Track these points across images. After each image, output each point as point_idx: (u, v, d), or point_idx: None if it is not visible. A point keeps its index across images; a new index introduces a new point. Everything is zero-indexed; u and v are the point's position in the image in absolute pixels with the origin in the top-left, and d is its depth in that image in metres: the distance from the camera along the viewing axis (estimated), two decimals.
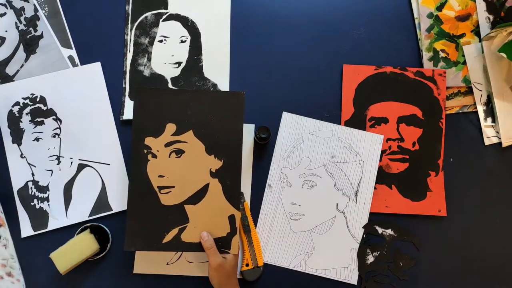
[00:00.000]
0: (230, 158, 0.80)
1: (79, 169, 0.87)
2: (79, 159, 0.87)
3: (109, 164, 0.87)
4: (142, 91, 0.81)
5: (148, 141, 0.80)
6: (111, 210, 0.86)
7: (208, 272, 0.78)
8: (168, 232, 0.79)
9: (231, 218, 0.80)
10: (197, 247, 0.79)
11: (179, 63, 0.90)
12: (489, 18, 0.92)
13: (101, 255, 0.84)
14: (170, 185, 0.79)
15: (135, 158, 0.79)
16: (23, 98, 0.88)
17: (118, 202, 0.86)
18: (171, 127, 0.80)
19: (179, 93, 0.82)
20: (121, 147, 0.88)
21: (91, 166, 0.87)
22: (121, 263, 0.85)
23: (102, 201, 0.86)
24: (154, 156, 0.79)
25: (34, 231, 0.85)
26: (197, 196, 0.80)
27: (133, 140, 0.80)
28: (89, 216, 0.86)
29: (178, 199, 0.79)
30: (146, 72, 0.90)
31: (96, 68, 0.90)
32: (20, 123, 0.88)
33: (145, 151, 0.79)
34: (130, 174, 0.80)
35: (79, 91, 0.89)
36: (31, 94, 0.88)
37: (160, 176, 0.79)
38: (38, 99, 0.88)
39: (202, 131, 0.80)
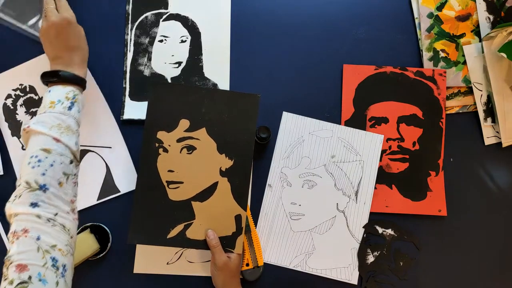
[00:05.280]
0: (241, 158, 0.80)
1: (81, 155, 0.87)
2: (80, 145, 0.87)
3: (110, 147, 0.88)
4: (158, 85, 0.81)
5: (160, 135, 0.80)
6: (119, 191, 0.86)
7: (212, 271, 0.79)
8: (173, 228, 0.79)
9: (238, 218, 0.80)
10: (202, 244, 0.79)
11: (179, 63, 0.90)
12: (489, 18, 0.92)
13: (101, 255, 0.84)
14: (179, 181, 0.79)
15: (146, 150, 0.79)
16: (14, 90, 0.88)
17: (125, 183, 0.87)
18: (184, 123, 0.80)
19: (195, 90, 0.82)
20: (121, 129, 0.88)
21: (93, 151, 0.87)
22: (121, 263, 0.85)
23: (108, 184, 0.87)
24: (165, 150, 0.80)
25: None
26: (205, 194, 0.80)
27: (145, 133, 0.80)
28: (97, 200, 0.86)
29: (186, 195, 0.79)
30: (146, 72, 0.90)
31: None
32: (16, 115, 0.88)
33: (157, 144, 0.79)
34: (139, 166, 0.80)
35: None
36: (20, 85, 0.88)
37: (169, 170, 0.79)
38: (28, 89, 0.88)
39: (215, 130, 0.80)
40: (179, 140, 0.80)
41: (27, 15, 0.86)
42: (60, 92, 0.72)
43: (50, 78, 0.73)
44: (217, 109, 0.80)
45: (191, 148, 0.80)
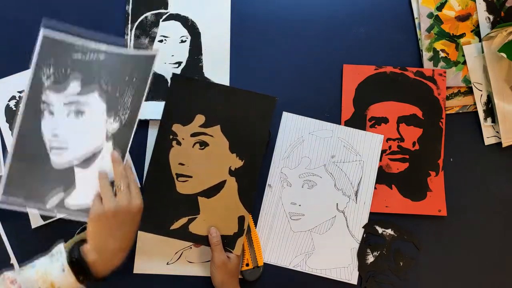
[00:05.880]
0: (251, 160, 0.80)
1: None
2: None
3: None
4: (179, 78, 0.82)
5: (175, 127, 0.81)
6: None
7: (211, 270, 0.79)
8: (177, 220, 0.80)
9: (241, 219, 0.80)
10: (203, 240, 0.80)
11: (179, 63, 0.91)
12: (489, 18, 0.92)
13: None
14: (188, 174, 0.80)
15: (160, 141, 0.81)
16: (19, 92, 0.88)
17: None
18: (200, 118, 0.80)
19: (214, 86, 0.83)
20: None
21: None
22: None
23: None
24: (179, 143, 0.80)
25: (44, 221, 0.85)
26: (212, 191, 0.80)
27: (161, 124, 0.81)
28: None
29: (193, 190, 0.80)
30: None
31: None
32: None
33: (171, 136, 0.80)
34: (151, 155, 0.81)
35: None
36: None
37: (180, 163, 0.80)
38: (40, 30, 0.87)
39: (229, 128, 0.81)
40: (193, 135, 0.80)
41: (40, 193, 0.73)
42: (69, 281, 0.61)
43: (72, 253, 0.63)
44: (233, 108, 0.81)
45: (203, 144, 0.80)
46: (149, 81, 0.72)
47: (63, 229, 0.84)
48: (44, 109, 0.72)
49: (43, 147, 0.72)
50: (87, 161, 0.73)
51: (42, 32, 0.71)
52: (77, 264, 0.62)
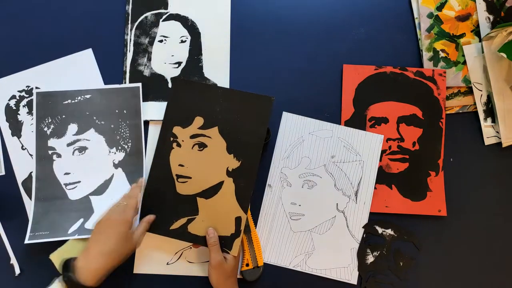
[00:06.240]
0: (248, 160, 0.81)
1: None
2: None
3: None
4: (179, 82, 0.85)
5: (176, 130, 0.82)
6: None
7: (208, 270, 0.79)
8: (177, 220, 0.80)
9: (238, 220, 0.80)
10: (201, 240, 0.80)
11: (179, 63, 0.91)
12: (489, 18, 0.92)
13: None
14: (187, 175, 0.81)
15: (161, 143, 0.83)
16: (19, 91, 0.89)
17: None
18: (199, 120, 0.82)
19: (212, 88, 0.85)
20: None
21: None
22: None
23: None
24: (179, 145, 0.82)
25: None
26: (210, 191, 0.81)
27: (162, 126, 0.83)
28: None
29: (192, 190, 0.81)
30: (146, 72, 0.90)
31: (87, 54, 0.90)
32: (18, 115, 0.88)
33: (171, 138, 0.82)
34: (153, 157, 0.82)
35: (73, 78, 0.89)
36: (26, 86, 0.89)
37: (180, 165, 0.82)
38: (33, 91, 0.88)
39: (226, 129, 0.82)
40: (192, 136, 0.82)
41: (63, 225, 0.82)
42: None
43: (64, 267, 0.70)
44: (230, 109, 0.82)
45: (202, 145, 0.82)
46: (141, 113, 0.84)
47: None
48: (52, 154, 0.84)
49: (59, 185, 0.84)
50: (100, 189, 0.84)
51: (35, 92, 0.86)
52: (65, 269, 0.69)
